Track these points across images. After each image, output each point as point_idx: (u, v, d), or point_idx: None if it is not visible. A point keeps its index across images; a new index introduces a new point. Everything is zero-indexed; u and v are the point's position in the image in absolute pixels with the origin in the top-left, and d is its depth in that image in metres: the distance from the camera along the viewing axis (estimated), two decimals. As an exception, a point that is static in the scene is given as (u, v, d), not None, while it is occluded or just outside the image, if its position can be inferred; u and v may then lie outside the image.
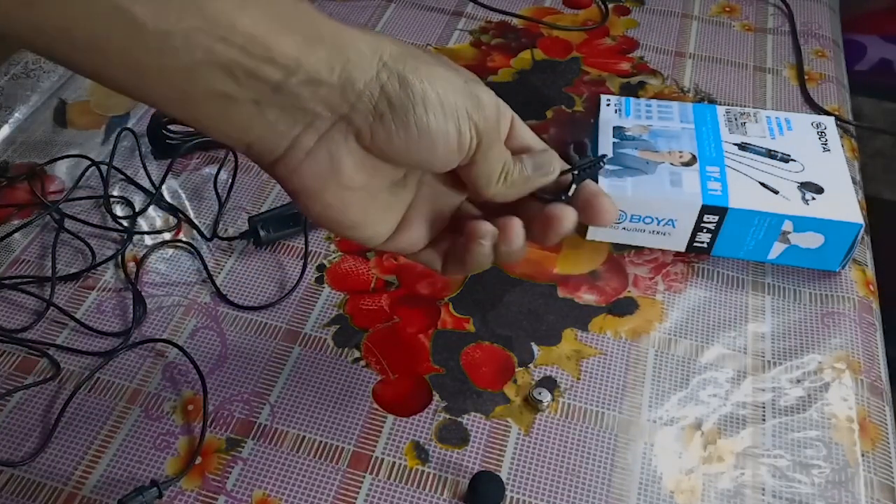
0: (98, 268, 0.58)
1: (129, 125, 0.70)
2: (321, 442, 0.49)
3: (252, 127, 0.33)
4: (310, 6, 0.33)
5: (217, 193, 0.64)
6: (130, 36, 0.29)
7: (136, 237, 0.60)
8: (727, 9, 0.87)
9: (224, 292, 0.57)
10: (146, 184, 0.64)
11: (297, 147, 0.34)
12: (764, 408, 0.52)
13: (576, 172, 0.41)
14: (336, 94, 0.33)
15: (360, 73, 0.33)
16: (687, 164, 0.60)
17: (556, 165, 0.40)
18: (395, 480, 0.47)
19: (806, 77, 0.78)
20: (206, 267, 0.58)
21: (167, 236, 0.61)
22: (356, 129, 0.34)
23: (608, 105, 0.66)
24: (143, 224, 0.62)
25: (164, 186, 0.64)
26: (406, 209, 0.40)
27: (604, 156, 0.41)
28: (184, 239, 0.61)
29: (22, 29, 0.28)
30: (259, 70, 0.31)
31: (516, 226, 0.39)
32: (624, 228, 0.59)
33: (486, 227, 0.39)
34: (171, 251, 0.60)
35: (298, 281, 0.58)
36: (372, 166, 0.35)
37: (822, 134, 0.63)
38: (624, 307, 0.57)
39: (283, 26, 0.31)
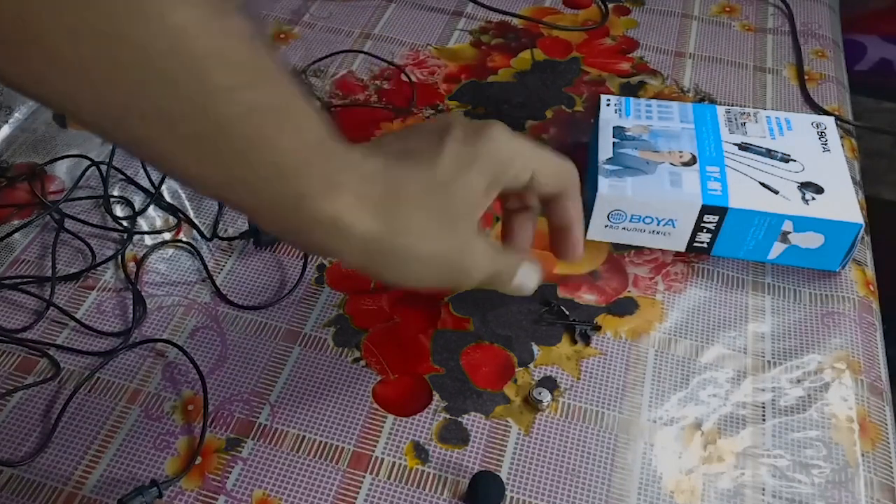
0: (98, 268, 0.58)
1: (129, 125, 0.69)
2: (321, 442, 0.49)
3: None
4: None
5: (217, 193, 0.64)
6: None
7: (136, 237, 0.60)
8: (727, 9, 0.87)
9: (224, 292, 0.57)
10: (146, 184, 0.64)
11: None
12: (764, 408, 0.52)
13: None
14: None
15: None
16: (687, 164, 0.60)
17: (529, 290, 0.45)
18: (395, 480, 0.47)
19: (806, 77, 0.78)
20: (206, 267, 0.58)
21: (167, 236, 0.61)
22: None
23: (608, 105, 0.66)
24: (143, 224, 0.62)
25: (163, 186, 0.64)
26: None
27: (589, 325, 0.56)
28: (184, 239, 0.61)
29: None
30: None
31: None
32: (624, 228, 0.59)
33: None
34: (171, 251, 0.60)
35: (298, 281, 0.58)
36: None
37: (822, 134, 0.63)
38: (624, 307, 0.57)
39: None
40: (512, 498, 0.47)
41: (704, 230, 0.58)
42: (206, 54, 0.28)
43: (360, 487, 0.47)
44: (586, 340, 0.55)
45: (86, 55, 0.26)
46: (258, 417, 0.50)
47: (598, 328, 0.55)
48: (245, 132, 0.30)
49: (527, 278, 0.44)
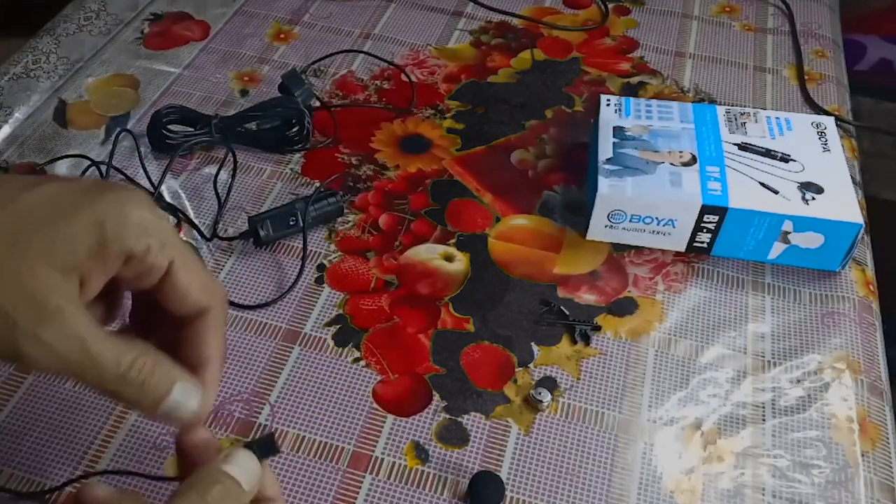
0: (98, 268, 0.58)
1: (129, 126, 0.70)
2: (321, 442, 0.49)
3: None
4: None
5: (217, 193, 0.64)
6: None
7: (136, 237, 0.60)
8: (727, 9, 0.87)
9: (224, 292, 0.57)
10: (146, 184, 0.64)
11: None
12: (764, 408, 0.52)
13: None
14: None
15: None
16: (687, 164, 0.60)
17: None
18: (395, 480, 0.47)
19: (806, 77, 0.78)
20: (205, 267, 0.58)
21: (167, 236, 0.61)
22: None
23: (608, 105, 0.66)
24: (143, 224, 0.62)
25: (164, 186, 0.64)
26: None
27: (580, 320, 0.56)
28: (184, 238, 0.61)
29: None
30: None
31: None
32: (624, 228, 0.59)
33: None
34: (171, 251, 0.60)
35: (296, 281, 0.58)
36: None
37: (822, 134, 0.63)
38: (624, 307, 0.57)
39: None
40: (512, 498, 0.47)
41: (704, 230, 0.58)
42: None
43: (359, 487, 0.47)
44: (586, 340, 0.55)
45: None
46: (258, 417, 0.50)
47: (598, 328, 0.55)
48: None
49: (181, 401, 0.35)
